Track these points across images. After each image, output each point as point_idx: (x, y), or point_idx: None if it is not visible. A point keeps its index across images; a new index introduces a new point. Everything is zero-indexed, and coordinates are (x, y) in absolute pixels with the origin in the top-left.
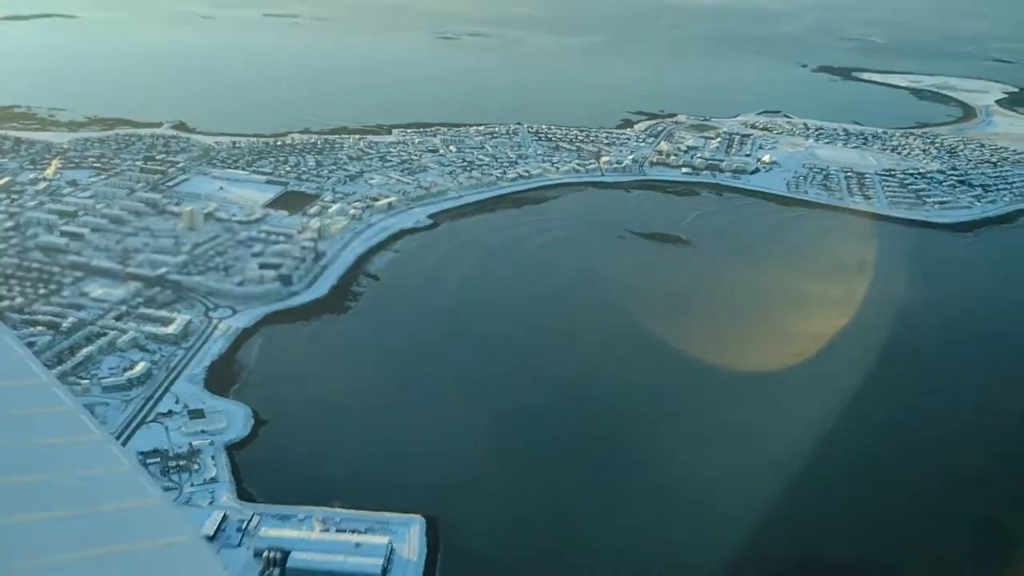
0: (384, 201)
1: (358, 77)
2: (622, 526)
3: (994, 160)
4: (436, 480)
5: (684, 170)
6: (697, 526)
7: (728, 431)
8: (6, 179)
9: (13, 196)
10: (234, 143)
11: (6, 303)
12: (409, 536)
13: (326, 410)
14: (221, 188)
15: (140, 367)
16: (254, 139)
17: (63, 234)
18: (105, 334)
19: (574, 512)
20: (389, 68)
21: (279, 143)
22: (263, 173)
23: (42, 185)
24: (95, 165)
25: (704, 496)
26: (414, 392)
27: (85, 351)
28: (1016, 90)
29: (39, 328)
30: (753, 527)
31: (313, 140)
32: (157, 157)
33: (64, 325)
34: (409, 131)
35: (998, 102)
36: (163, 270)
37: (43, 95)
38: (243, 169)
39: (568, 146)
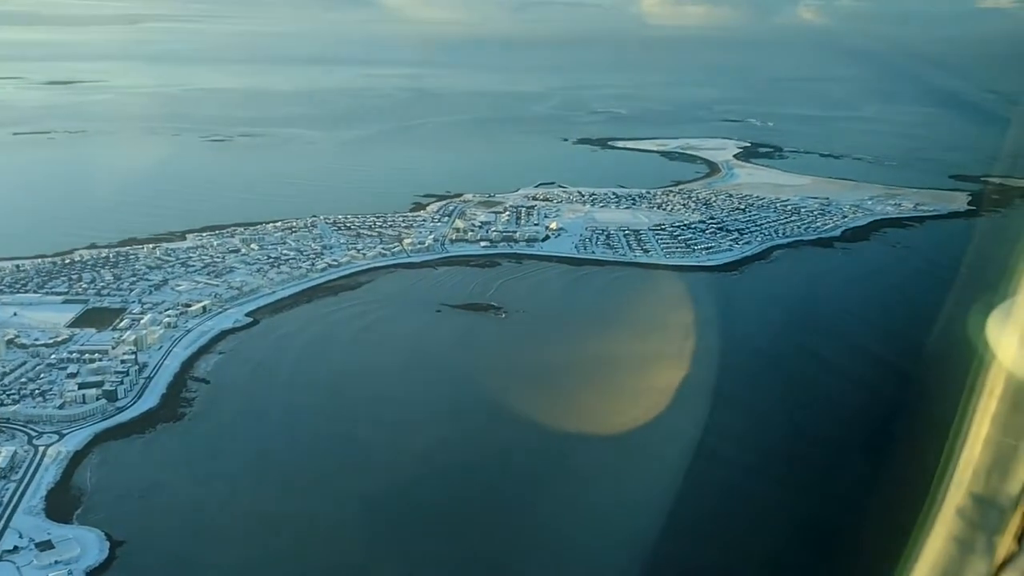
0: (198, 305)
1: (135, 186)
2: None
3: (743, 207)
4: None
5: (483, 244)
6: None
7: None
8: None
9: None
10: (17, 266)
11: None
12: None
13: (181, 519)
14: (15, 314)
15: None
16: (38, 260)
17: None
18: None
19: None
20: (166, 175)
21: (67, 261)
22: (58, 293)
23: None
24: None
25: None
26: (263, 490)
27: None
28: (748, 144)
29: None
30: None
31: (104, 254)
32: None
33: None
34: (204, 234)
35: (736, 156)
36: None
37: None
38: (34, 292)
39: (368, 232)
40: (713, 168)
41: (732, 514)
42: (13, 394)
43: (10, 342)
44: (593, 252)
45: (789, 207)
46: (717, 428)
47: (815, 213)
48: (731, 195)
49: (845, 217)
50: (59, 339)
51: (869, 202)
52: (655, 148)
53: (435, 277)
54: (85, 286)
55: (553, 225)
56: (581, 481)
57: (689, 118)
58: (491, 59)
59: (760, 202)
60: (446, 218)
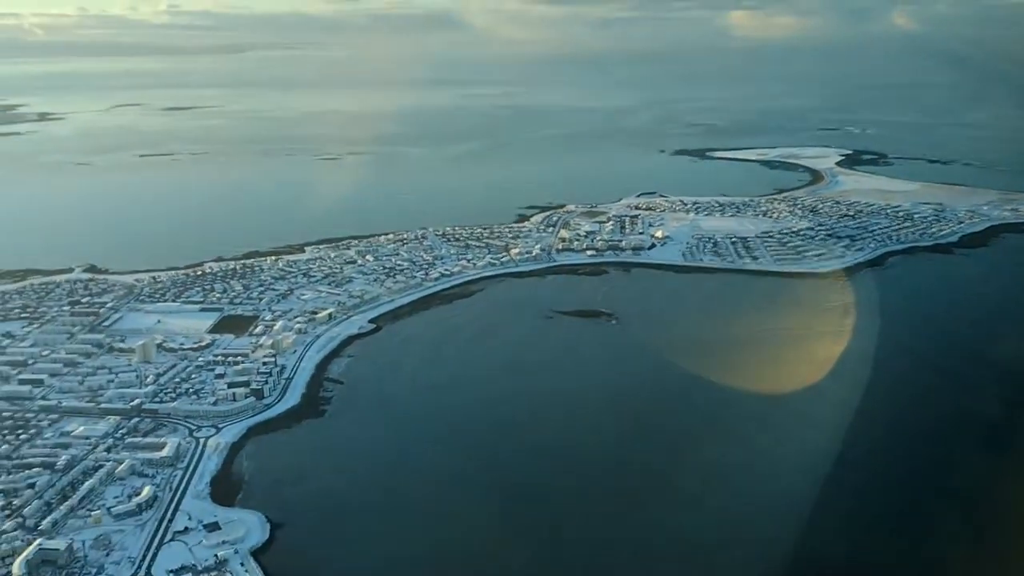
0: (324, 313)
1: (255, 203)
2: None
3: (851, 214)
4: (453, 552)
5: (589, 252)
6: None
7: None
8: None
9: None
10: (154, 278)
11: None
12: None
13: (331, 504)
14: (159, 321)
15: (146, 491)
16: (172, 272)
17: (22, 382)
18: (101, 466)
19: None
20: (283, 191)
21: (198, 273)
22: (195, 302)
23: None
24: (23, 316)
25: None
26: (399, 476)
27: (87, 484)
28: (850, 152)
29: (35, 470)
30: None
31: (231, 266)
32: (83, 300)
33: (58, 464)
34: (322, 247)
35: (838, 164)
36: (136, 401)
37: None
38: (173, 301)
39: (476, 243)
40: (816, 176)
41: (872, 516)
42: (170, 392)
43: (159, 346)
44: (701, 259)
45: (901, 213)
46: (845, 433)
47: (929, 219)
48: (838, 202)
49: (961, 223)
50: (202, 344)
51: (985, 207)
52: (755, 157)
53: (544, 285)
54: (219, 295)
55: (659, 233)
56: (707, 479)
57: (786, 128)
58: (580, 76)
59: (869, 208)
60: (550, 228)
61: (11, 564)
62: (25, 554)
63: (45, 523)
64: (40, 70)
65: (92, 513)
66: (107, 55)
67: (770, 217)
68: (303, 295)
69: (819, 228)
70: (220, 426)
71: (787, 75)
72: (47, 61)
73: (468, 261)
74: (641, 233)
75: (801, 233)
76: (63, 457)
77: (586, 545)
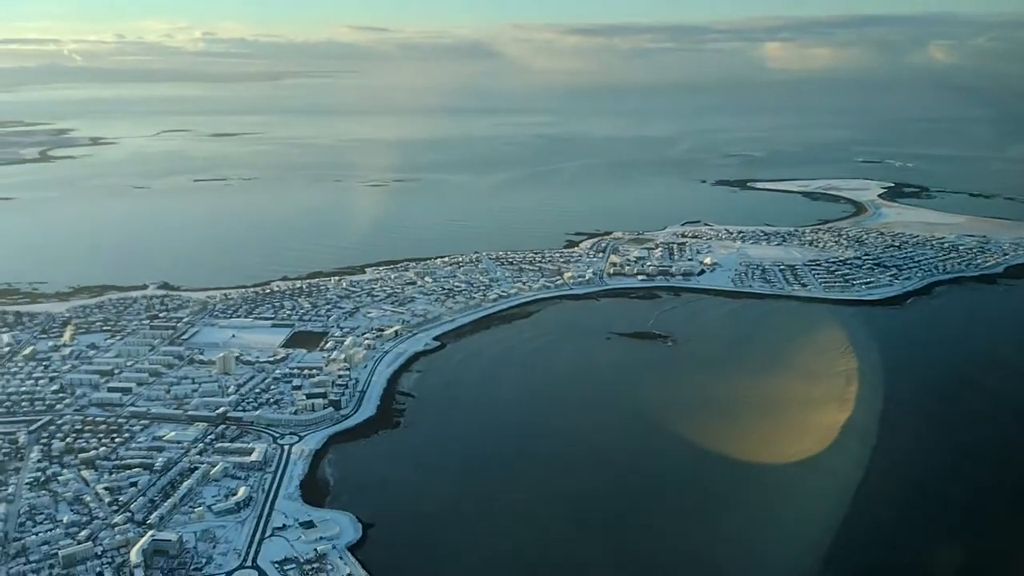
0: (391, 330)
1: (312, 226)
2: None
3: (897, 244)
4: (534, 551)
5: (640, 277)
6: None
7: None
8: (29, 349)
9: (43, 363)
10: (225, 295)
11: (92, 452)
12: None
13: (415, 506)
14: (233, 335)
15: (242, 492)
16: (241, 290)
17: (111, 390)
18: (196, 468)
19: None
20: (337, 215)
21: (267, 291)
22: (266, 319)
23: (67, 351)
24: (104, 328)
25: None
26: (471, 482)
27: (186, 484)
28: (892, 184)
29: (135, 470)
30: None
31: (297, 285)
32: (161, 315)
33: (156, 465)
34: (381, 268)
35: (881, 196)
36: (221, 409)
37: (16, 272)
38: (245, 317)
39: (529, 267)
40: (859, 207)
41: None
42: (252, 402)
43: (237, 359)
44: (750, 286)
45: (946, 244)
46: (893, 458)
47: (974, 250)
48: (882, 233)
49: (1006, 254)
50: (277, 357)
51: None
52: (796, 189)
53: (599, 308)
54: (288, 312)
55: (708, 260)
56: (761, 500)
57: (826, 160)
58: (614, 105)
59: (914, 240)
60: (600, 254)
61: (126, 554)
62: (140, 544)
63: (153, 517)
64: (81, 95)
65: (195, 510)
66: (145, 81)
67: (816, 246)
68: (369, 313)
69: (866, 258)
70: (302, 434)
71: (823, 107)
72: (88, 86)
73: (523, 283)
74: (690, 259)
75: (848, 262)
76: (159, 459)
77: (656, 552)
